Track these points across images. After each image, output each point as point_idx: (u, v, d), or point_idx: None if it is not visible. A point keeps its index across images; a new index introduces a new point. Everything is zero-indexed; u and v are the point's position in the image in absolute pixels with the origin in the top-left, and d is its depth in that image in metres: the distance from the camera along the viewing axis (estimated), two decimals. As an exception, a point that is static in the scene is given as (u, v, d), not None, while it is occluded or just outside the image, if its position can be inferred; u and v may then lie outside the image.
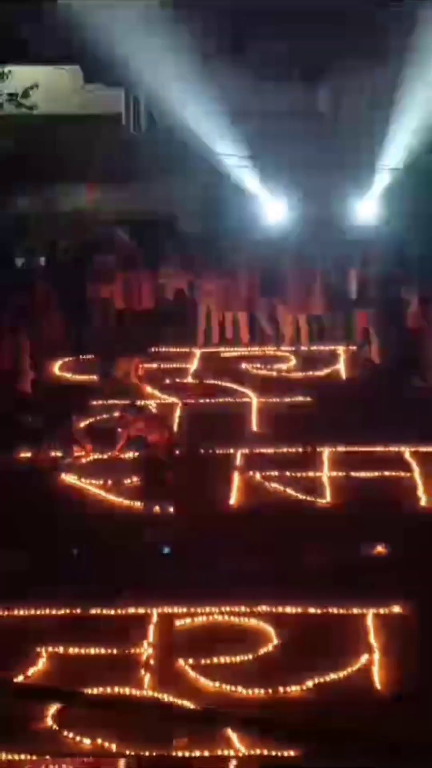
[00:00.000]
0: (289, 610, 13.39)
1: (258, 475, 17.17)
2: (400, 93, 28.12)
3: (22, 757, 10.73)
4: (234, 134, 30.00)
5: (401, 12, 29.73)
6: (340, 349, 22.37)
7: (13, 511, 16.16)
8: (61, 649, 12.69)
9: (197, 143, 30.78)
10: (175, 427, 18.58)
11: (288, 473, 17.15)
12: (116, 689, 11.94)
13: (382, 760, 8.71)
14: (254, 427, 19.11)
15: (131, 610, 13.42)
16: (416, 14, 28.10)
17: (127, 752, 10.90)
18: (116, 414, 18.55)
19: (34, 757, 10.81)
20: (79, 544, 15.08)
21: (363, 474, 17.10)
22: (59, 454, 17.70)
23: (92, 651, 12.71)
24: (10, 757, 10.70)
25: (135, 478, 16.61)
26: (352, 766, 8.65)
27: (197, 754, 10.81)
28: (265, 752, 10.68)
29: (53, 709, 11.37)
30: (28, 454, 17.76)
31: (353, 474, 17.11)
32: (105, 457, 17.75)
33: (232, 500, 16.63)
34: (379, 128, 28.72)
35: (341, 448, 17.72)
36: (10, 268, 24.37)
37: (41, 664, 12.47)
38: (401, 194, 27.69)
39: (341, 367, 21.77)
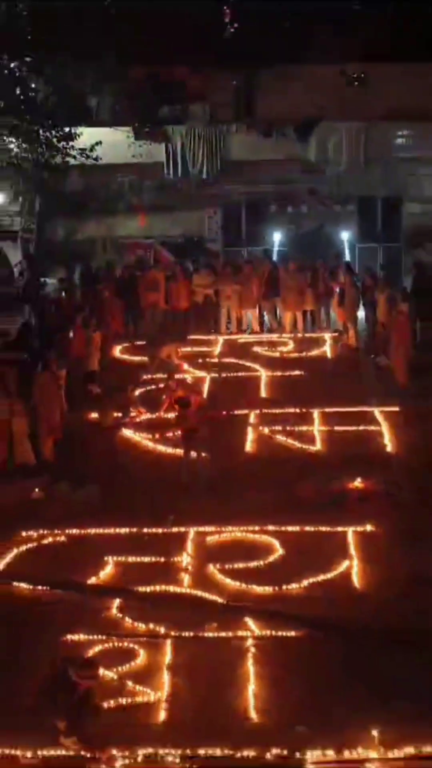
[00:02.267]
0: (290, 528, 13.44)
1: (266, 430, 17.20)
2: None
3: (94, 637, 10.80)
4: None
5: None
6: (326, 336, 22.40)
7: (88, 457, 16.29)
8: (123, 558, 12.77)
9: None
10: (205, 394, 18.63)
11: (288, 428, 17.20)
12: (163, 587, 12.01)
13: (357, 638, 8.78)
14: (263, 394, 19.14)
15: (174, 530, 13.52)
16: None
17: (172, 633, 10.96)
18: (161, 385, 18.62)
19: (103, 637, 10.88)
20: (135, 482, 15.17)
21: (344, 428, 17.11)
22: (118, 414, 17.75)
23: (146, 559, 12.78)
24: (85, 637, 10.77)
25: (177, 432, 16.56)
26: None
27: (223, 635, 10.85)
28: (274, 633, 10.69)
29: (117, 602, 11.47)
30: (96, 415, 17.83)
31: (336, 428, 17.14)
32: (153, 417, 17.80)
33: (248, 448, 16.67)
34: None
35: (328, 409, 17.71)
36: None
37: (109, 569, 12.54)
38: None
39: (327, 349, 21.80)
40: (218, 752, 9.20)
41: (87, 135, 28.13)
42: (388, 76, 31.21)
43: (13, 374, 16.54)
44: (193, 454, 15.64)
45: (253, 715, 9.85)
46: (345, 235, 28.61)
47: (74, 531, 13.58)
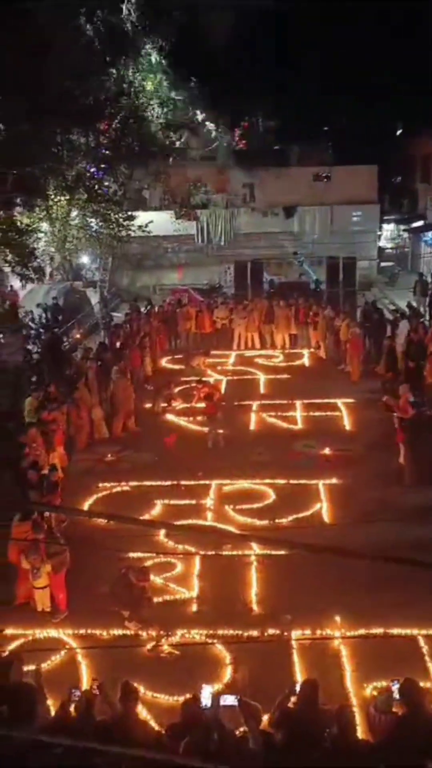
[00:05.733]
0: (279, 481, 13.31)
1: (264, 415, 17.07)
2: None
3: (147, 554, 10.68)
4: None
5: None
6: (305, 351, 22.25)
7: (144, 433, 16.25)
8: (167, 501, 12.71)
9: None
10: (223, 390, 18.52)
11: (279, 413, 17.02)
12: (195, 521, 11.95)
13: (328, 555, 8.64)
14: (262, 391, 19.01)
15: (202, 482, 13.42)
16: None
17: (200, 552, 10.89)
18: (193, 384, 18.52)
19: (153, 554, 10.78)
20: (175, 450, 15.09)
21: (317, 413, 16.94)
22: (164, 404, 17.68)
23: (183, 502, 12.71)
24: (141, 554, 10.65)
25: (204, 416, 16.40)
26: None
27: (236, 553, 10.77)
28: (269, 552, 10.55)
29: (163, 531, 11.41)
30: (149, 405, 17.76)
31: (312, 413, 16.97)
32: (188, 406, 17.66)
33: (252, 426, 16.56)
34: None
35: (306, 401, 17.54)
36: (139, 314, 24.29)
37: (157, 509, 12.48)
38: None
39: (305, 361, 21.65)
40: (231, 632, 9.19)
41: (142, 216, 28.31)
42: (344, 176, 31.33)
43: (93, 377, 16.52)
44: (215, 430, 15.53)
45: (255, 607, 9.85)
46: (317, 283, 28.49)
47: (134, 483, 13.53)
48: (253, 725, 6.04)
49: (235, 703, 6.29)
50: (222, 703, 6.41)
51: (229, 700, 6.40)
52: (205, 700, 6.45)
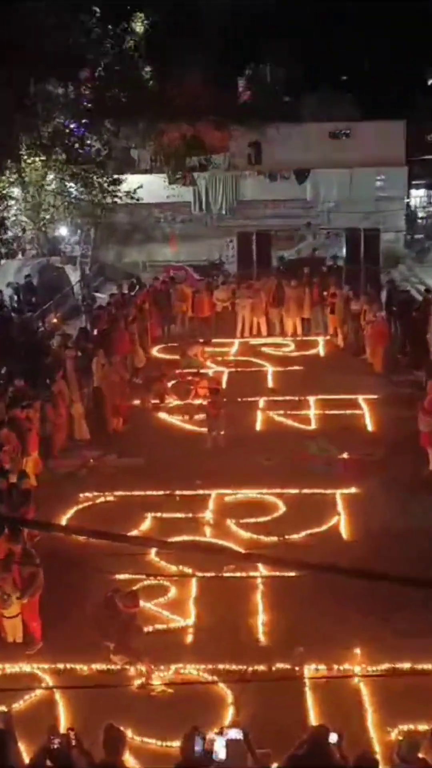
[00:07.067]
0: (289, 491, 13.29)
1: (272, 413, 17.02)
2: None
3: (136, 576, 10.66)
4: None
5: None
6: (320, 339, 22.22)
7: (132, 434, 16.23)
8: (158, 514, 12.69)
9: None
10: (224, 385, 18.46)
11: (290, 412, 16.98)
12: (192, 537, 11.94)
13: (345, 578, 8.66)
14: (270, 385, 18.96)
15: (200, 491, 13.40)
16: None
17: (197, 573, 10.88)
18: (189, 378, 18.49)
19: (143, 576, 10.77)
20: (168, 454, 15.09)
21: (334, 411, 16.88)
22: (155, 401, 17.64)
23: (178, 515, 12.69)
24: (128, 576, 10.64)
25: (202, 415, 16.37)
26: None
27: (239, 574, 10.74)
28: (278, 574, 10.55)
29: (154, 551, 11.36)
30: (138, 401, 17.70)
31: (328, 411, 16.91)
32: (183, 403, 17.62)
33: (258, 427, 16.53)
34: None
35: (321, 397, 17.50)
36: (129, 295, 24.19)
37: (147, 523, 12.47)
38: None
39: (320, 350, 21.61)
40: (233, 667, 9.20)
41: (130, 180, 28.29)
42: (366, 133, 31.28)
43: (73, 368, 16.49)
44: (215, 431, 15.49)
45: (262, 638, 9.87)
46: (334, 259, 28.44)
47: (121, 492, 13.51)
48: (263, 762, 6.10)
49: (240, 736, 6.37)
50: (226, 737, 6.50)
51: (233, 733, 6.50)
52: (198, 747, 6.53)
